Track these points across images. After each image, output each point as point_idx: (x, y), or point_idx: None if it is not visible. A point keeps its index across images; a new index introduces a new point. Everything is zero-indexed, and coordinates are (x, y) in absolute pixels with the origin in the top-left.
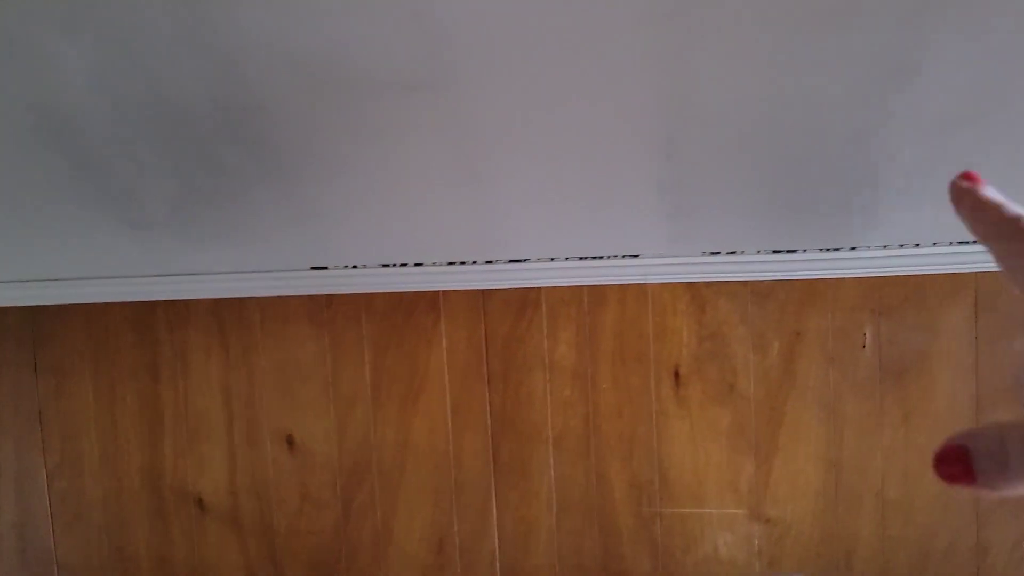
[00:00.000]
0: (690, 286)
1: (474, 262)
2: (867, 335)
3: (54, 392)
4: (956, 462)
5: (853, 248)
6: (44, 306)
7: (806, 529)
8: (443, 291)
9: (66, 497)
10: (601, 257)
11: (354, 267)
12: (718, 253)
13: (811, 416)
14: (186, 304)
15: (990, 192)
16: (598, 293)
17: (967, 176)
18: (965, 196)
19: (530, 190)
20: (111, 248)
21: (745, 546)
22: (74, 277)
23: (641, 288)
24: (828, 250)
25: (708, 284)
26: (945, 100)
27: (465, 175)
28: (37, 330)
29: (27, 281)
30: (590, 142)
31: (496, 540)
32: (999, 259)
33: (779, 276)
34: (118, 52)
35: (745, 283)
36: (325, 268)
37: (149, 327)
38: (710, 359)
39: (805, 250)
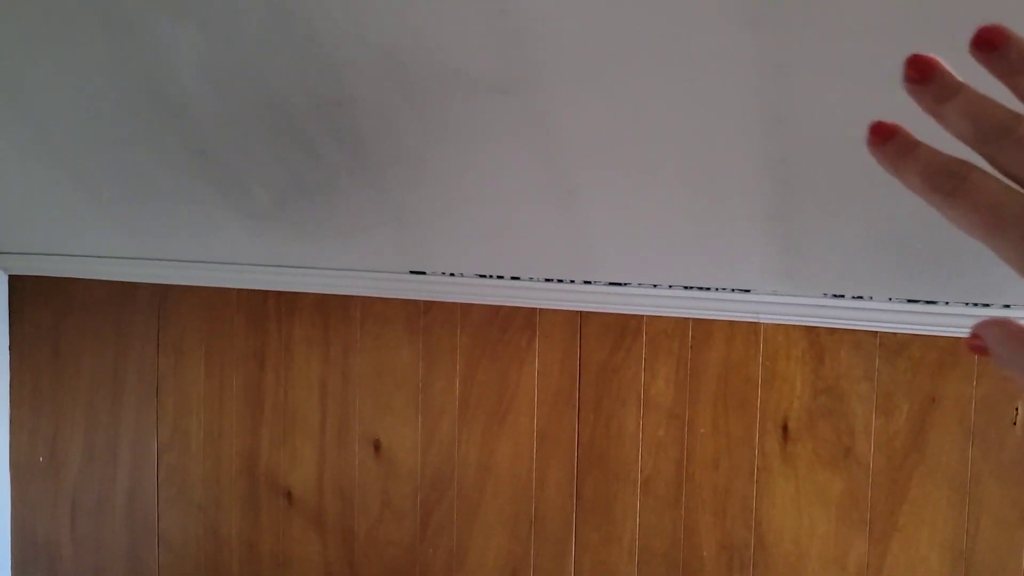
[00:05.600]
0: (808, 330)
1: (572, 281)
2: (1020, 411)
3: (172, 369)
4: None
5: (1007, 306)
6: (170, 286)
7: None
8: (540, 309)
9: (172, 472)
10: (708, 288)
11: (451, 275)
12: (842, 296)
13: (941, 496)
14: (294, 297)
15: None
16: (704, 328)
17: None
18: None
19: (630, 208)
20: (226, 235)
21: None
22: (193, 260)
23: (752, 327)
24: (976, 305)
25: (830, 331)
26: None
27: (560, 188)
28: (163, 308)
29: (152, 260)
30: (692, 159)
31: None
32: None
33: (915, 329)
34: (220, 41)
35: (874, 334)
36: (423, 273)
37: (260, 316)
38: (825, 416)
39: (948, 302)
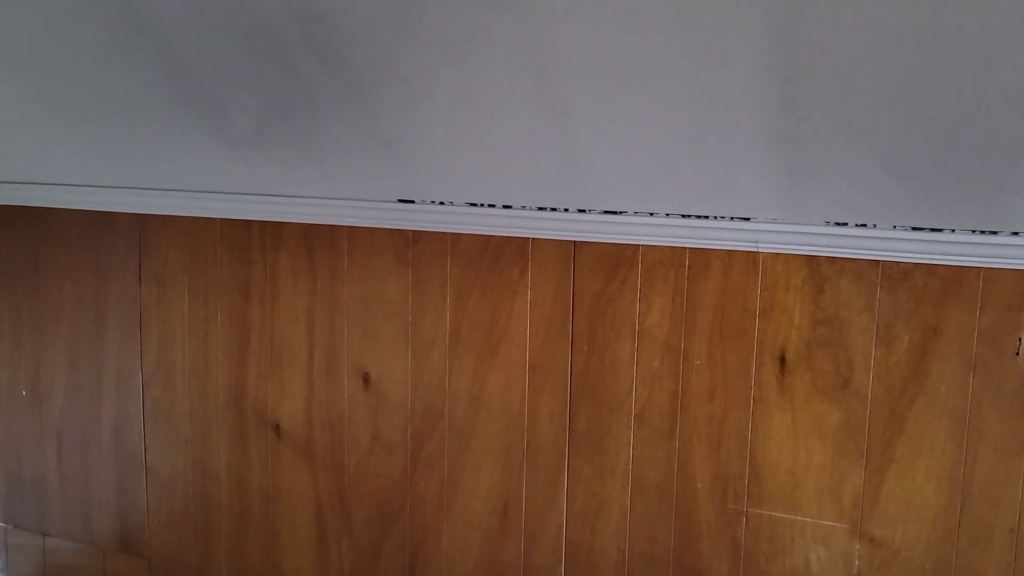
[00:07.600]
0: (809, 260)
1: (566, 209)
2: (1023, 341)
3: (155, 301)
4: None
5: (1016, 233)
6: (151, 216)
7: (917, 557)
8: (532, 239)
9: (158, 404)
10: (707, 217)
11: (441, 203)
12: (845, 224)
13: (939, 427)
14: (279, 227)
15: None
16: (701, 257)
17: None
18: None
19: (627, 132)
20: (206, 162)
21: (841, 565)
22: (176, 188)
23: (751, 257)
24: (983, 232)
25: (831, 260)
26: None
27: (554, 111)
28: (144, 238)
29: (134, 188)
30: (693, 81)
31: (564, 513)
32: None
33: (918, 258)
34: None
35: (876, 263)
36: (412, 202)
37: (244, 246)
38: (824, 346)
39: (954, 230)
